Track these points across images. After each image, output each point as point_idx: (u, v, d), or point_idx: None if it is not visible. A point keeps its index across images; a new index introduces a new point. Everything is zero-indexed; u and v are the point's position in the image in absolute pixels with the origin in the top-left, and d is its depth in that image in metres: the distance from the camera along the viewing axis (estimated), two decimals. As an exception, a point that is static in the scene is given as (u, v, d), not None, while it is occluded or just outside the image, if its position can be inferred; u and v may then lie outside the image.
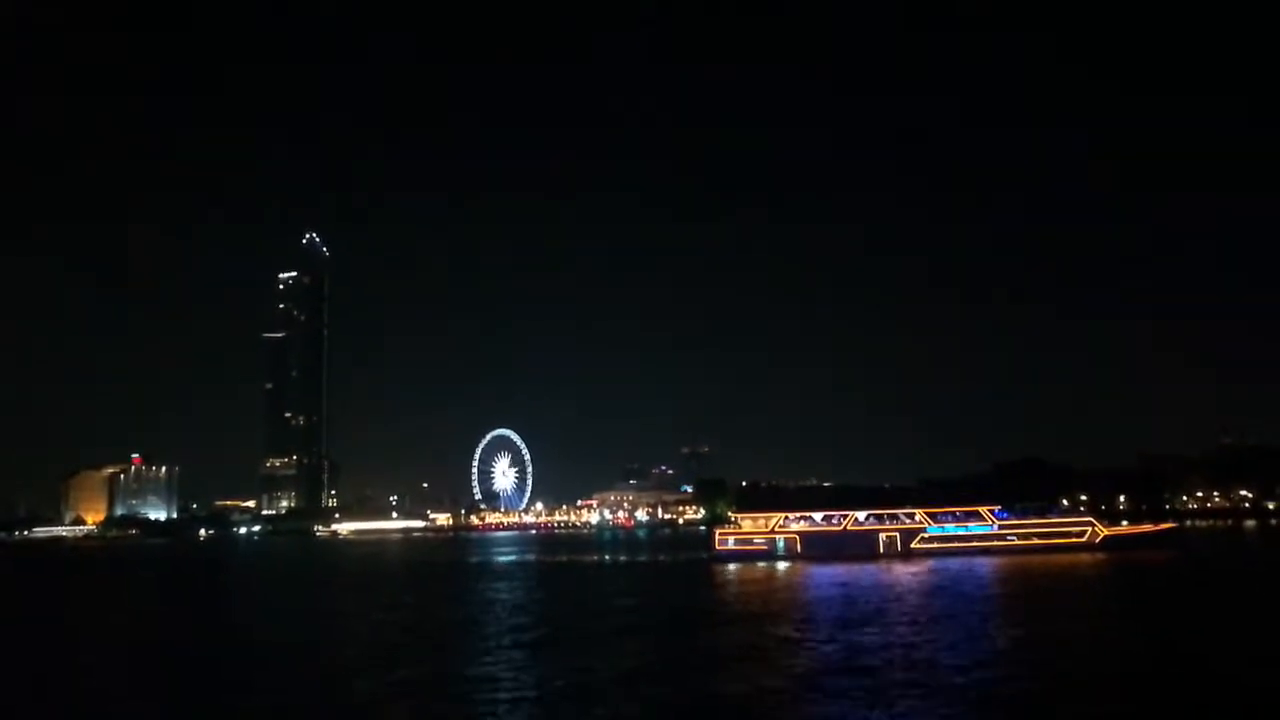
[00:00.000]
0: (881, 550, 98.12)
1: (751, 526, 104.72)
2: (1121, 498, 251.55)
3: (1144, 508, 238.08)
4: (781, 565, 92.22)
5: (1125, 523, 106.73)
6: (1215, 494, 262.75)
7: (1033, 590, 62.45)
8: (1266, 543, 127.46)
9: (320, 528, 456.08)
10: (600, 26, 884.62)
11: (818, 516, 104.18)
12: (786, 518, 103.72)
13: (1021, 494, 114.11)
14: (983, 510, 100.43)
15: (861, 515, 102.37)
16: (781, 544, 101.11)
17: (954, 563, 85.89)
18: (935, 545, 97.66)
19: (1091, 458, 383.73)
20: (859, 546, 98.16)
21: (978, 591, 61.03)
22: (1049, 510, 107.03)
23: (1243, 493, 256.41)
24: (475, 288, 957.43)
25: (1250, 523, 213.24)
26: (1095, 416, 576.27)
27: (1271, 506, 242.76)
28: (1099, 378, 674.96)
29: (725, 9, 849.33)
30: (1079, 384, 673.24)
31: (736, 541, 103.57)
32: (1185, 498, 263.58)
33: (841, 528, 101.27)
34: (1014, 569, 78.17)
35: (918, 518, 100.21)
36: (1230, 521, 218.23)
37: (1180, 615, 47.88)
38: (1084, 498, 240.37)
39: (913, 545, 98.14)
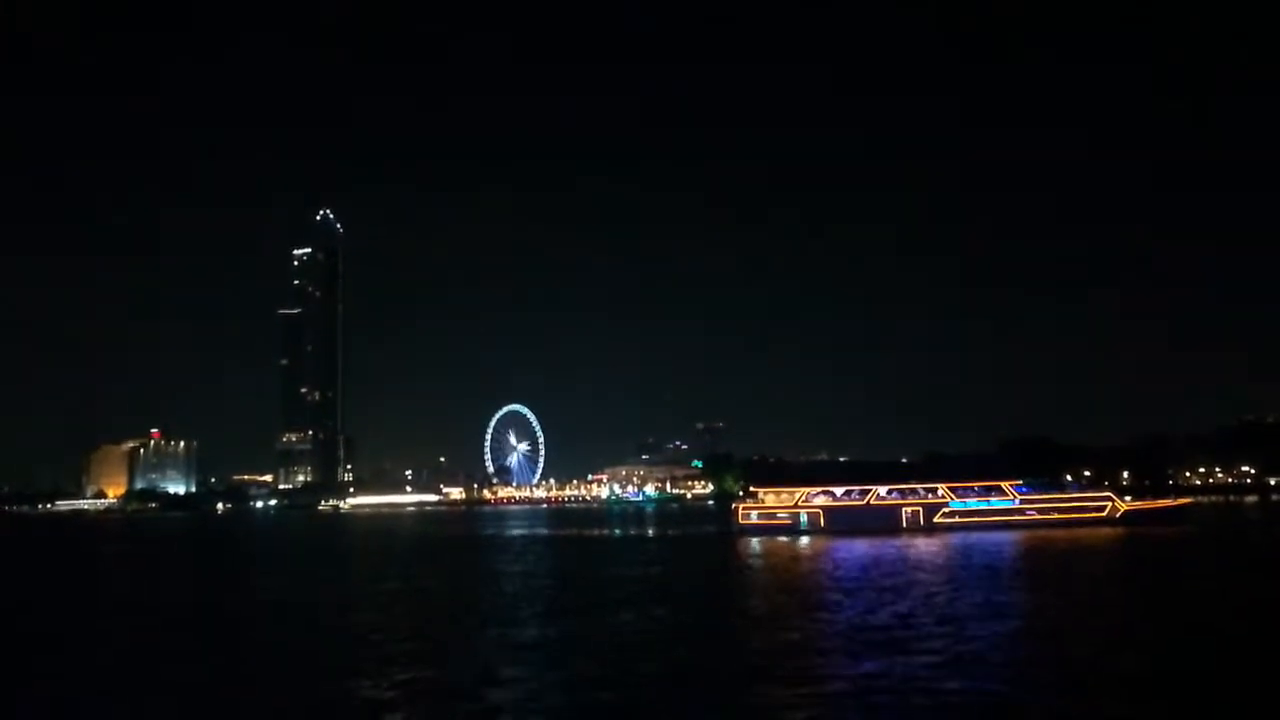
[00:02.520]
0: (904, 525, 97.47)
1: (775, 501, 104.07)
2: (1125, 474, 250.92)
3: (1147, 483, 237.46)
4: (804, 539, 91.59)
5: (1129, 498, 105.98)
6: (1218, 469, 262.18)
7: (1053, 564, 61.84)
8: (1271, 518, 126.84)
9: (324, 503, 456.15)
10: (620, 15, 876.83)
11: (839, 491, 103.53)
12: (810, 493, 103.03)
13: (1027, 470, 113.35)
14: (1004, 485, 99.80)
15: (883, 490, 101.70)
16: (805, 518, 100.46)
17: (976, 537, 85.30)
18: (957, 520, 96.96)
19: (1096, 434, 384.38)
20: (882, 521, 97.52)
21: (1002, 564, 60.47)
22: (1069, 487, 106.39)
23: (1244, 468, 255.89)
24: (490, 264, 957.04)
25: (1251, 498, 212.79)
26: (1098, 393, 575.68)
27: (1273, 482, 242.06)
28: (1102, 355, 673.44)
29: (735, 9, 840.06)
30: (1082, 360, 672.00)
31: (760, 516, 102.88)
32: (1188, 473, 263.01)
33: (864, 502, 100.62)
34: (1035, 543, 77.82)
35: (940, 492, 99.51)
36: (1231, 497, 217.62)
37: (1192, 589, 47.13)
38: (1088, 474, 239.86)
39: (935, 520, 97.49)
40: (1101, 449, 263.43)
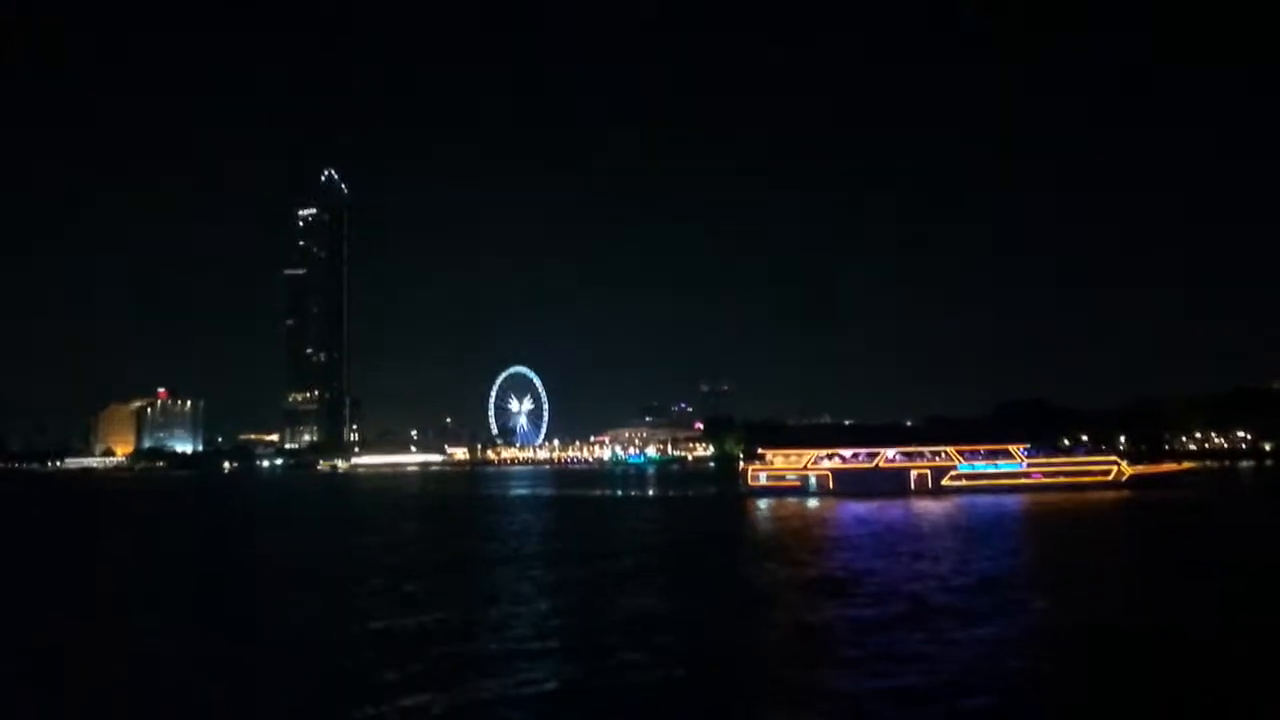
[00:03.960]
0: (913, 487, 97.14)
1: (784, 463, 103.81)
2: (1121, 438, 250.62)
3: (1143, 448, 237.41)
4: (813, 501, 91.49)
5: (1124, 462, 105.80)
6: (1213, 435, 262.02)
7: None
8: (1270, 483, 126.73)
9: (322, 463, 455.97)
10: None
11: (847, 454, 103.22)
12: (818, 455, 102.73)
13: (1024, 433, 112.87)
14: (1012, 448, 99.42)
15: (891, 453, 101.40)
16: (814, 480, 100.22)
17: (984, 499, 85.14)
18: (965, 482, 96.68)
19: (1092, 398, 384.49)
20: (891, 483, 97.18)
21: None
22: (1075, 450, 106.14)
23: (1240, 434, 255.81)
24: (498, 225, 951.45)
25: (1246, 463, 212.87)
26: (1097, 358, 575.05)
27: (1268, 448, 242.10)
28: (1102, 318, 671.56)
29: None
30: (1082, 324, 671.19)
31: (769, 478, 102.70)
32: (1184, 438, 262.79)
33: (873, 465, 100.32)
34: (1042, 505, 77.71)
35: (948, 455, 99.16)
36: (1227, 462, 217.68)
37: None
38: (1084, 438, 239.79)
39: (943, 482, 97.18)
40: (1098, 412, 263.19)
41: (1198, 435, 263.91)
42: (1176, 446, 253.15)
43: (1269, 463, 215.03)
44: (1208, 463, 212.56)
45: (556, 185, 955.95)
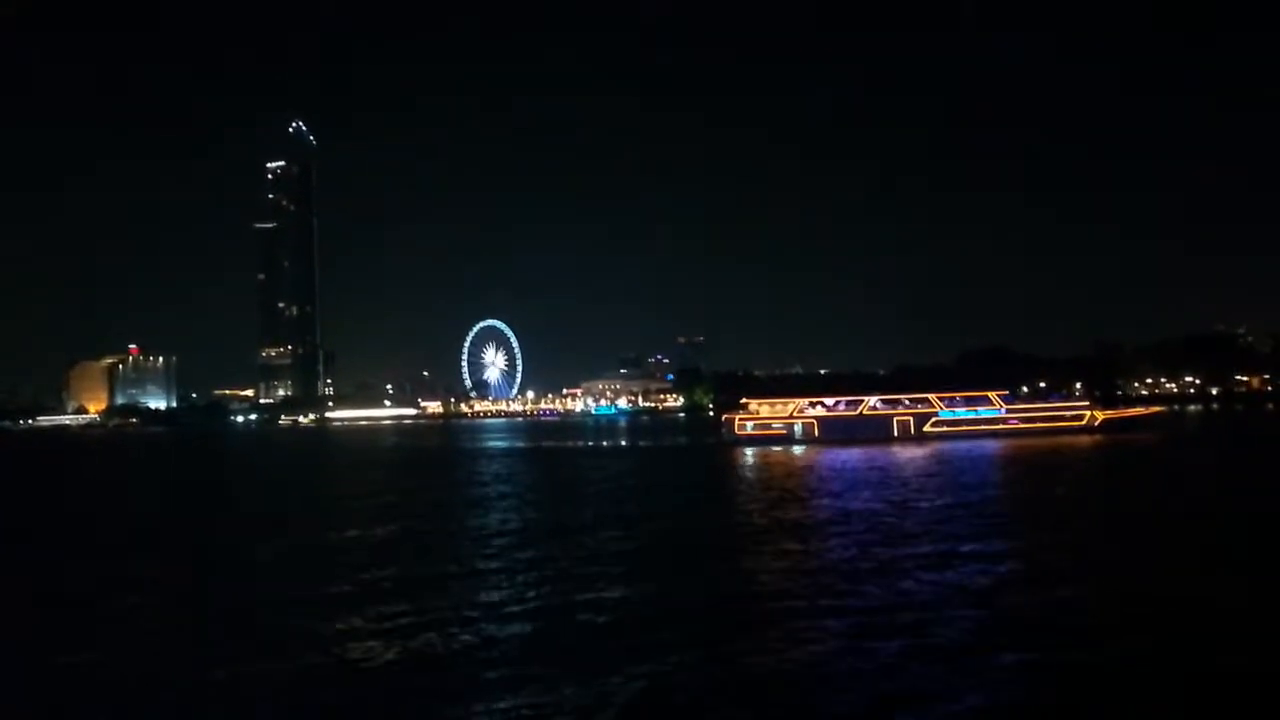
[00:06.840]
0: (896, 433, 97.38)
1: (769, 412, 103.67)
2: (1078, 384, 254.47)
3: (1098, 393, 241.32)
4: (798, 449, 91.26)
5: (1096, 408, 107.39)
6: (1164, 379, 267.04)
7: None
8: (1220, 425, 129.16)
9: (283, 417, 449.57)
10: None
11: (830, 401, 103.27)
12: (803, 404, 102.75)
13: (988, 380, 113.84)
14: (991, 395, 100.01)
15: (874, 400, 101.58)
16: (799, 429, 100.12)
17: (965, 444, 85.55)
18: (946, 429, 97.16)
19: (1051, 346, 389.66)
20: (874, 430, 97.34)
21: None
22: (1051, 396, 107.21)
23: (1189, 378, 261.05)
24: (471, 174, 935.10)
25: (1194, 407, 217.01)
26: (1058, 305, 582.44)
27: (1215, 392, 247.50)
28: (1062, 267, 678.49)
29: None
30: (1043, 272, 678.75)
31: (755, 426, 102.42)
32: (1136, 384, 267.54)
33: (857, 413, 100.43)
34: (1022, 449, 78.21)
35: (930, 402, 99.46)
36: (1176, 406, 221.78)
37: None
38: (1043, 385, 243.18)
39: (925, 428, 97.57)
40: (1056, 359, 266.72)
41: (1149, 380, 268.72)
42: (1130, 391, 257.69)
43: (1215, 406, 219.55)
44: (1158, 407, 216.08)
45: (535, 133, 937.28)
